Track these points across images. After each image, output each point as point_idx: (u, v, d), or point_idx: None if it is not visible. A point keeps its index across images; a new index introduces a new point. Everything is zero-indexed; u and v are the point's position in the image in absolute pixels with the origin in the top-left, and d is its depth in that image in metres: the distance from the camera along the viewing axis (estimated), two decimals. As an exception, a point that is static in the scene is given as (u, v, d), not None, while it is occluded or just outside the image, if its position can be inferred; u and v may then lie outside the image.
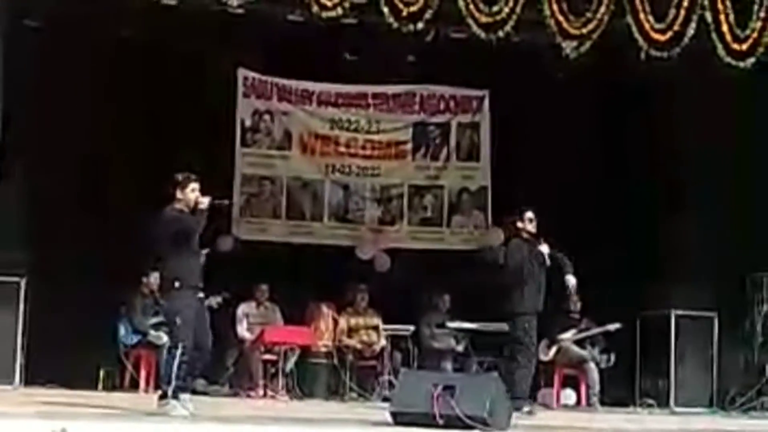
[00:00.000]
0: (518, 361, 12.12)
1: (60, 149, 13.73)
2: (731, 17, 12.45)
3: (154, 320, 13.69)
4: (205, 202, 10.33)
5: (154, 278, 13.80)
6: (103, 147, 14.08)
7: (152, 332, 13.66)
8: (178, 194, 10.39)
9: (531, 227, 12.43)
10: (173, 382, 10.09)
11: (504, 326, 14.31)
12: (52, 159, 13.69)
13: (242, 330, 14.30)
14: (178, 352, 10.07)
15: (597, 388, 14.23)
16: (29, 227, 13.28)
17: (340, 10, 11.99)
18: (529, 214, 12.47)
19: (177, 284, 10.19)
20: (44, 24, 13.22)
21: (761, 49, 12.54)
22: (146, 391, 13.48)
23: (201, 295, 10.51)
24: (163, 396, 10.20)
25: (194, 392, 13.49)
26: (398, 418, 9.69)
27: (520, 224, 12.45)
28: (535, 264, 12.31)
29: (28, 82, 13.08)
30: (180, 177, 10.44)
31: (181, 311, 10.15)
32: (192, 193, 10.36)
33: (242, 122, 15.49)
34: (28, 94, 13.11)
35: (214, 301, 13.95)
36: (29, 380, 13.10)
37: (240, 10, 12.38)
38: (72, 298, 13.27)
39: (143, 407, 10.73)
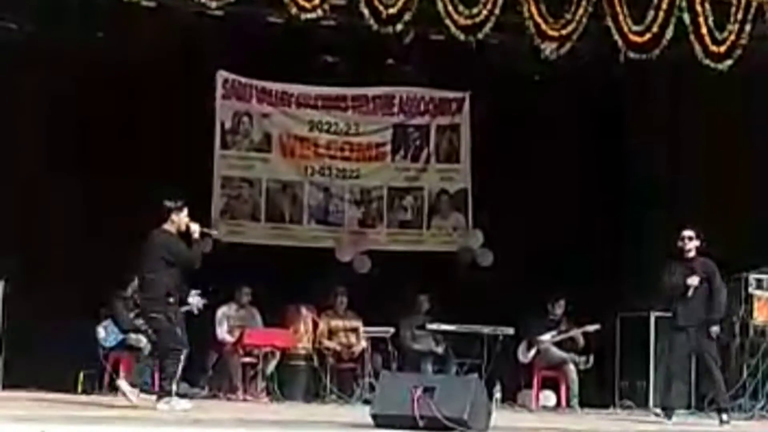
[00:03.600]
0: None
1: (34, 151, 13.70)
2: (710, 19, 12.50)
3: (139, 321, 13.67)
4: (196, 231, 11.49)
5: (134, 286, 13.81)
6: (80, 149, 14.04)
7: (132, 335, 13.62)
8: (173, 217, 11.45)
9: (689, 245, 12.34)
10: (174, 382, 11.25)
11: (483, 329, 14.43)
12: (33, 161, 13.66)
13: (222, 332, 14.27)
14: (182, 355, 11.24)
15: (576, 389, 14.26)
16: (8, 231, 13.23)
17: (319, 12, 11.98)
18: (686, 233, 12.42)
19: (171, 299, 11.38)
20: (21, 25, 13.19)
21: (739, 52, 12.59)
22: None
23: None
24: (167, 394, 11.22)
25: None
26: (379, 420, 9.69)
27: (679, 243, 12.42)
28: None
29: (5, 83, 13.05)
30: (173, 204, 11.52)
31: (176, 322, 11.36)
32: (184, 219, 11.47)
33: (222, 124, 15.47)
34: (7, 95, 13.09)
35: (195, 306, 13.93)
36: (8, 383, 13.04)
37: (219, 12, 12.37)
38: (51, 301, 13.23)
39: (122, 410, 10.72)
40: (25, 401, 11.44)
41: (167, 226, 11.47)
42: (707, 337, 12.29)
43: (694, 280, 12.26)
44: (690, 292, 12.28)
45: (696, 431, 11.93)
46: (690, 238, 12.38)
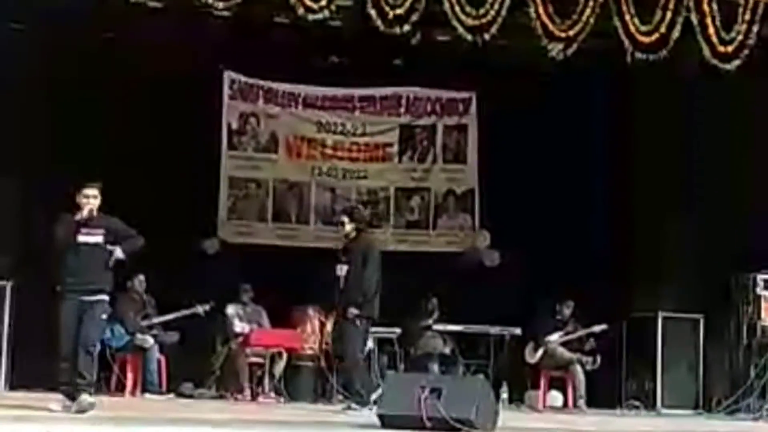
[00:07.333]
0: None
1: (44, 150, 13.70)
2: (717, 20, 12.48)
3: (146, 322, 13.69)
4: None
5: (138, 281, 13.85)
6: (87, 148, 14.04)
7: (138, 335, 13.64)
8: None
9: (343, 231, 12.46)
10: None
11: (490, 329, 14.43)
12: (37, 160, 13.66)
13: (239, 325, 14.19)
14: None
15: (583, 390, 14.24)
16: (15, 231, 13.24)
17: (326, 13, 11.98)
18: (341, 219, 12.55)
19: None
20: (28, 26, 13.20)
21: (746, 52, 12.57)
22: (133, 394, 13.46)
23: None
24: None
25: (181, 395, 13.63)
26: (385, 421, 9.68)
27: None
28: None
29: (12, 83, 13.06)
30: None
31: None
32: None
33: (228, 125, 15.48)
34: (13, 95, 13.09)
35: (202, 309, 13.95)
36: (14, 384, 13.05)
37: (226, 13, 12.37)
38: (58, 302, 13.21)
39: (129, 411, 10.72)
40: (31, 401, 11.44)
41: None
42: (345, 321, 12.16)
43: (340, 270, 12.25)
44: (341, 282, 12.22)
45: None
46: (342, 224, 12.35)
